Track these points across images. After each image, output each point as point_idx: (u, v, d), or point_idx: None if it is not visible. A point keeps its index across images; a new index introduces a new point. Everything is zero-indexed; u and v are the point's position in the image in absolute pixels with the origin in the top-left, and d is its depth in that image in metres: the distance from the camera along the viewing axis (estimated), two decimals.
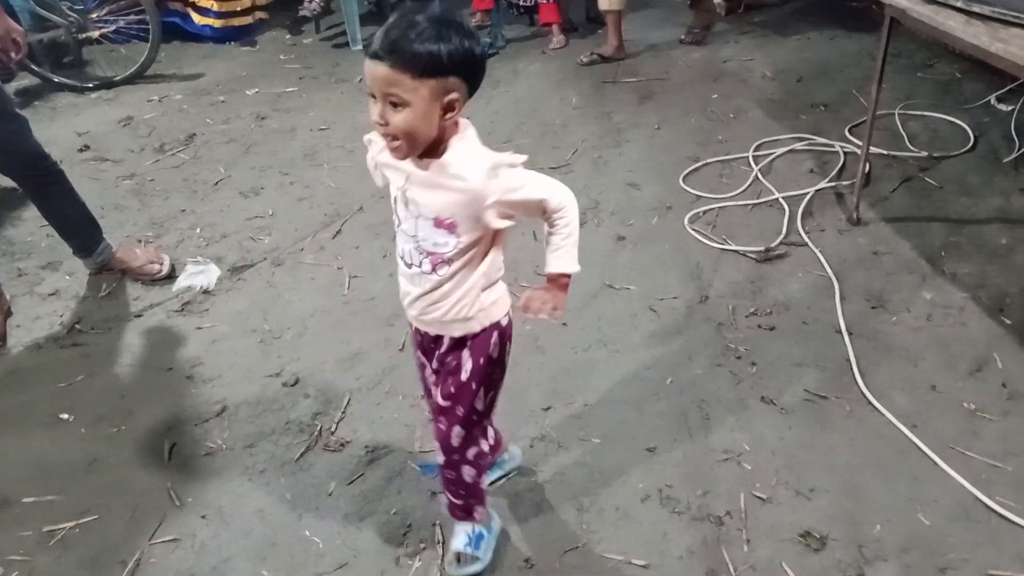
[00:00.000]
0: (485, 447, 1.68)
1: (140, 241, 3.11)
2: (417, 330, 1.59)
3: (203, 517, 1.96)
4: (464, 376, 1.54)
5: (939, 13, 2.22)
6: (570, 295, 2.44)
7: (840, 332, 2.38)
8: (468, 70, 1.29)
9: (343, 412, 2.23)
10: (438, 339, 1.55)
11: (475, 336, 1.52)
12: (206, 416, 2.26)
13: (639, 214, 3.06)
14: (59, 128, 4.13)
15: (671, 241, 2.89)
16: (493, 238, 1.45)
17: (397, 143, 1.30)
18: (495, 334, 1.54)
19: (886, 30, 2.52)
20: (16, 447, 2.21)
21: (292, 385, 2.34)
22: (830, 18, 4.83)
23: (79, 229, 2.84)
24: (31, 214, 3.19)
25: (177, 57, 5.20)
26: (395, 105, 1.26)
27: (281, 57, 5.11)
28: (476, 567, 1.75)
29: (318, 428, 2.18)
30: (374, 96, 1.28)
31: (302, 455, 2.10)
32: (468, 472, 1.65)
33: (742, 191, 3.16)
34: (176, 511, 1.98)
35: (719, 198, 3.12)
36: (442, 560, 1.79)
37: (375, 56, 1.24)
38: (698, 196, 3.14)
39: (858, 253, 2.73)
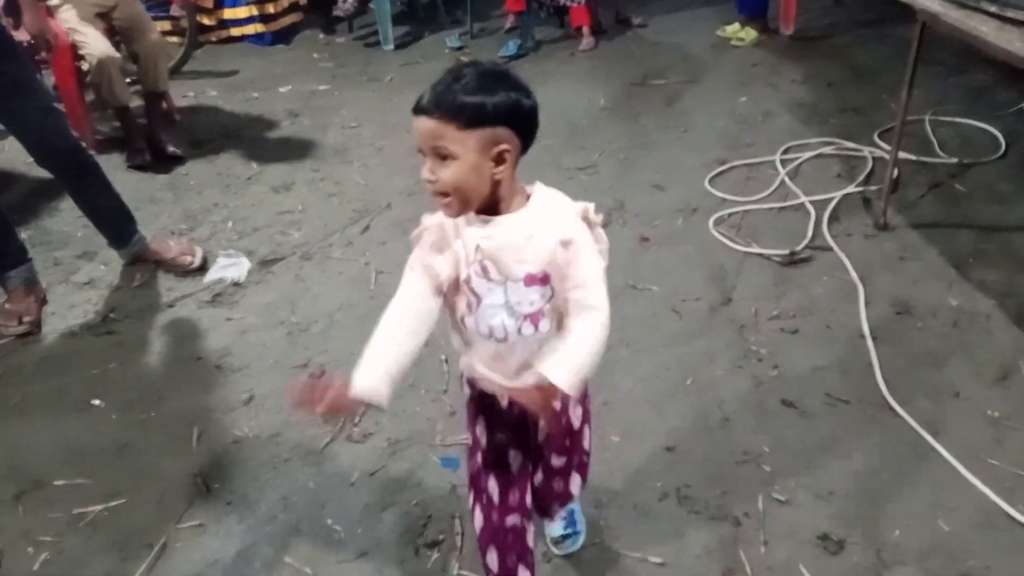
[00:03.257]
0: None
1: (173, 233, 3.17)
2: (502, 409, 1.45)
3: (229, 503, 2.00)
4: (576, 423, 1.54)
5: (971, 18, 2.21)
6: None
7: (864, 337, 2.37)
8: (517, 120, 1.23)
9: (367, 405, 2.26)
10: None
11: None
12: (234, 405, 2.31)
13: (664, 215, 3.07)
14: None
15: (695, 243, 2.89)
16: None
17: (448, 199, 1.23)
18: None
19: (917, 35, 2.50)
20: (49, 431, 2.27)
21: (318, 377, 2.37)
22: (862, 22, 4.80)
23: (114, 220, 2.90)
24: (67, 205, 3.27)
25: (213, 54, 5.29)
26: (443, 158, 1.21)
27: (315, 56, 5.18)
28: (580, 540, 1.81)
29: (342, 420, 2.21)
30: (424, 154, 1.23)
31: (326, 445, 2.14)
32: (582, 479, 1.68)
33: (768, 194, 3.15)
34: (203, 497, 2.02)
35: (745, 201, 3.11)
36: (460, 551, 1.81)
37: (421, 110, 1.21)
38: (723, 199, 3.14)
39: (884, 258, 2.71)
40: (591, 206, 1.31)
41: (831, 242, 2.80)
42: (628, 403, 2.21)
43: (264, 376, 2.41)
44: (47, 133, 2.62)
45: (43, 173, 2.86)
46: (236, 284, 2.84)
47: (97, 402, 2.36)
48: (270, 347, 2.53)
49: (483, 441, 1.49)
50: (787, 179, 3.22)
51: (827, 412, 2.13)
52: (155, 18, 4.73)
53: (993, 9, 2.18)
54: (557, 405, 1.30)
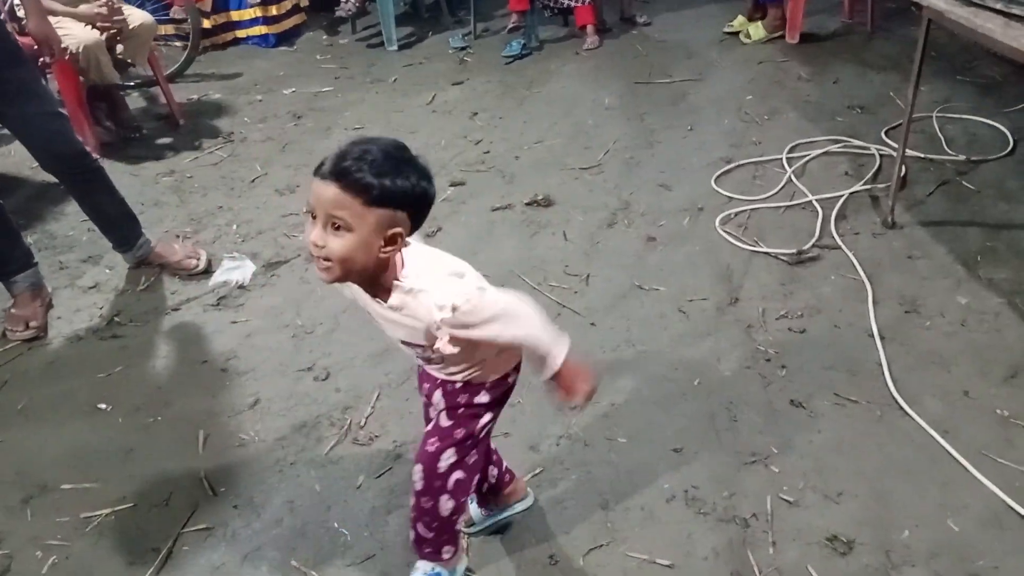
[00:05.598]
0: (471, 480, 1.60)
1: (178, 236, 3.17)
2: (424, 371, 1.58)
3: (235, 507, 2.00)
4: (479, 399, 1.52)
5: (978, 15, 2.19)
6: (599, 295, 2.44)
7: (872, 336, 2.35)
8: (416, 207, 1.27)
9: (372, 407, 2.26)
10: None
11: (491, 381, 1.53)
12: (240, 408, 2.30)
13: (670, 215, 3.06)
14: None
15: (702, 243, 2.88)
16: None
17: (328, 265, 1.25)
18: (514, 377, 1.57)
19: (924, 31, 2.49)
20: (55, 435, 2.27)
21: (323, 379, 2.37)
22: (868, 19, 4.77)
23: (119, 224, 2.91)
24: (72, 209, 3.27)
25: (216, 57, 5.29)
26: (337, 228, 1.22)
27: (318, 57, 5.18)
28: None
29: (348, 422, 2.21)
30: (313, 216, 1.24)
31: (332, 448, 2.14)
32: (446, 504, 1.56)
33: (775, 193, 3.14)
34: (209, 500, 2.02)
35: (751, 200, 3.10)
36: (467, 553, 1.80)
37: (326, 177, 1.21)
38: (730, 198, 3.13)
39: (892, 257, 2.70)
40: (458, 305, 1.30)
41: (839, 241, 2.79)
42: (635, 404, 2.20)
43: (270, 379, 2.41)
44: (52, 138, 2.62)
45: (48, 177, 2.86)
46: (241, 287, 2.84)
47: (103, 406, 2.36)
48: (275, 350, 2.53)
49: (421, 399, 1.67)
50: (794, 177, 3.20)
51: (836, 412, 2.12)
52: (160, 22, 4.76)
53: (999, 6, 2.16)
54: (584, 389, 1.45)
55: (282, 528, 1.93)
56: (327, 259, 1.24)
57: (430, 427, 1.56)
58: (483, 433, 1.57)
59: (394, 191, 1.21)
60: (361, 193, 1.20)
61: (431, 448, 1.53)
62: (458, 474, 1.55)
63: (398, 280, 1.33)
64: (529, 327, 1.38)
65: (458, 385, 1.51)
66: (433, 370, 1.52)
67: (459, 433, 1.53)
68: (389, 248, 1.26)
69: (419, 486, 1.56)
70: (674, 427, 2.11)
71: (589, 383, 1.45)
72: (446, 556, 1.67)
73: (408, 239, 1.32)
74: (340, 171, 1.20)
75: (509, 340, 1.39)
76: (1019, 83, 3.72)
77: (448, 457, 1.53)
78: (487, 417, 1.55)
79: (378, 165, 1.21)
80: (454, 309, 1.29)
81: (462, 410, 1.52)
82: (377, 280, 1.33)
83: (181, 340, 2.62)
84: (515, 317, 1.37)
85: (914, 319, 2.42)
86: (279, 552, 1.87)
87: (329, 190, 1.20)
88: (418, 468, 1.55)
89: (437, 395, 1.54)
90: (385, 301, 1.35)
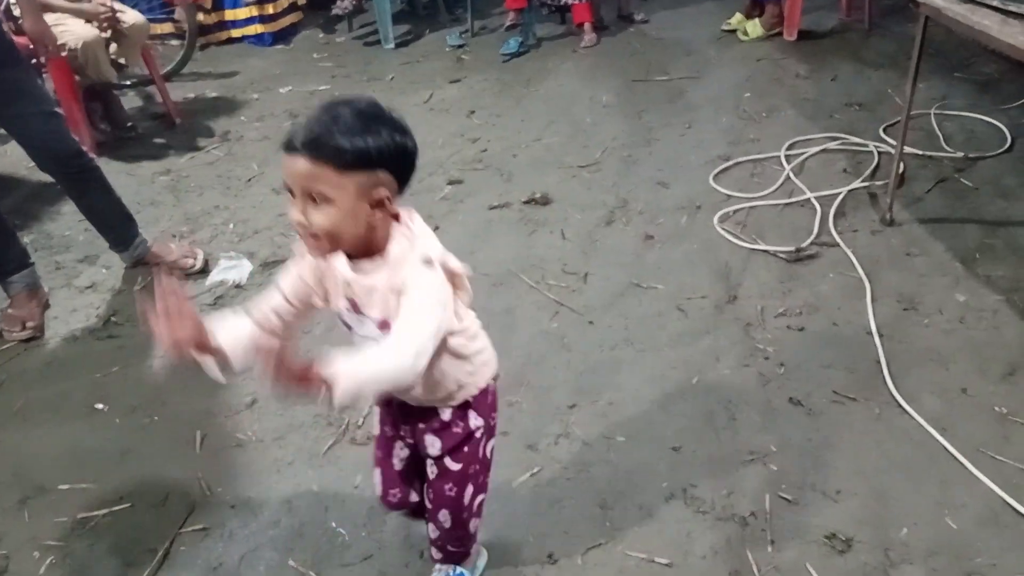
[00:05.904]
0: (487, 492, 1.59)
1: (175, 236, 3.17)
2: (400, 404, 1.45)
3: (232, 507, 1.99)
4: (474, 422, 1.46)
5: (975, 12, 2.19)
6: (598, 293, 2.43)
7: (871, 334, 2.35)
8: (398, 165, 1.18)
9: (370, 406, 2.25)
10: (429, 411, 1.43)
11: (476, 396, 1.44)
12: (237, 408, 2.30)
13: (668, 213, 3.05)
14: None
15: (700, 240, 2.87)
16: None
17: (317, 241, 1.18)
18: (493, 386, 1.48)
19: (921, 29, 2.49)
20: (52, 435, 2.27)
21: None
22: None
23: (115, 224, 2.90)
24: (69, 209, 3.26)
25: (213, 56, 5.29)
26: (316, 202, 1.15)
27: (314, 55, 5.17)
28: None
29: (345, 422, 2.20)
30: (293, 193, 1.17)
31: (329, 448, 2.13)
32: (473, 523, 1.59)
33: (773, 191, 3.13)
34: (206, 501, 2.01)
35: (750, 197, 3.09)
36: None
37: (294, 150, 1.13)
38: (728, 195, 3.12)
39: (891, 254, 2.70)
40: (447, 267, 1.25)
41: (837, 238, 2.79)
42: (633, 403, 2.20)
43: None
44: (48, 138, 2.62)
45: (44, 177, 2.85)
46: (238, 286, 2.84)
47: (100, 406, 2.35)
48: None
49: (376, 434, 1.59)
50: (792, 175, 3.20)
51: (834, 410, 2.12)
52: (157, 20, 4.76)
53: (995, 3, 2.16)
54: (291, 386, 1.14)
55: (280, 528, 1.93)
56: (315, 235, 1.17)
57: (437, 474, 1.50)
58: (490, 455, 1.55)
59: (367, 151, 1.13)
60: (332, 160, 1.12)
61: (452, 493, 1.51)
62: (479, 497, 1.56)
63: (404, 226, 1.25)
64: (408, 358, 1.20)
65: (446, 416, 1.43)
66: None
67: (471, 469, 1.49)
68: (378, 211, 1.19)
69: (448, 524, 1.55)
70: (673, 426, 2.11)
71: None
72: (470, 557, 1.71)
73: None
74: (306, 142, 1.13)
75: (422, 317, 1.21)
76: (1016, 80, 3.72)
77: (469, 492, 1.52)
78: (489, 441, 1.52)
79: (345, 128, 1.13)
80: (435, 263, 1.23)
81: (466, 448, 1.47)
82: (372, 242, 1.23)
83: None
84: (422, 327, 1.21)
85: (912, 317, 2.42)
86: (277, 552, 1.87)
87: (299, 163, 1.13)
88: (444, 512, 1.54)
89: (429, 439, 1.46)
90: (381, 256, 1.24)
